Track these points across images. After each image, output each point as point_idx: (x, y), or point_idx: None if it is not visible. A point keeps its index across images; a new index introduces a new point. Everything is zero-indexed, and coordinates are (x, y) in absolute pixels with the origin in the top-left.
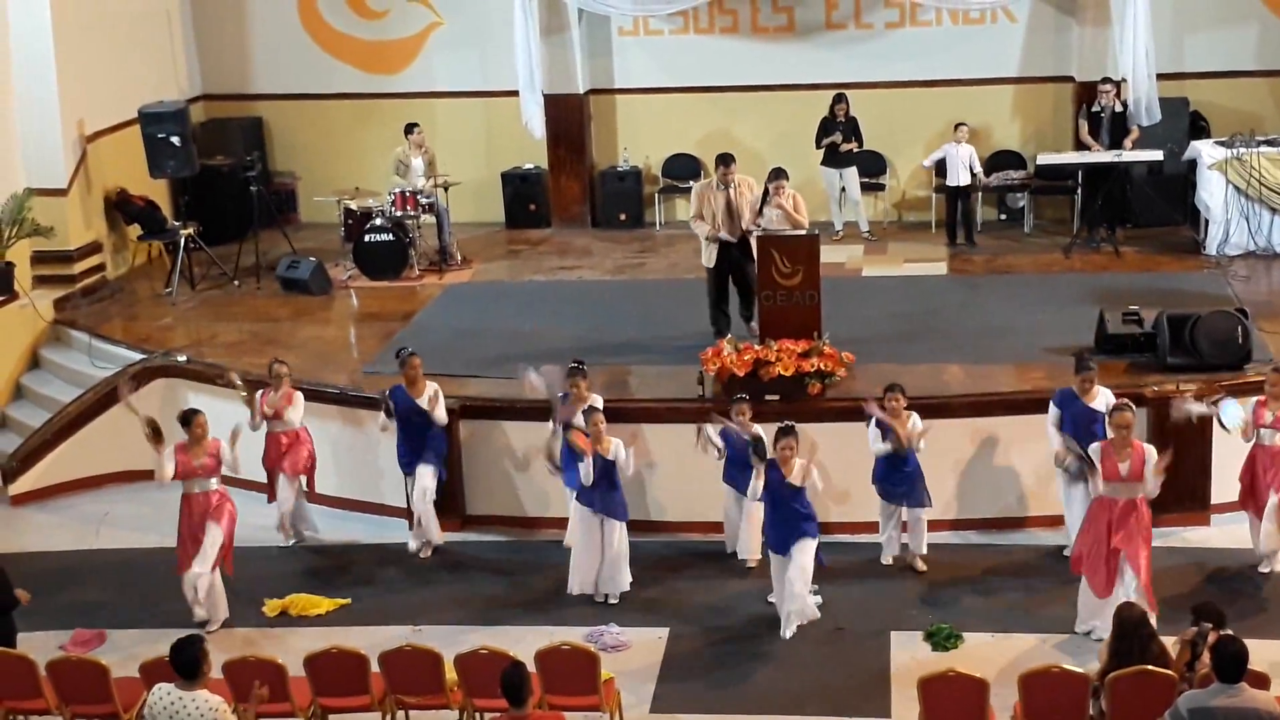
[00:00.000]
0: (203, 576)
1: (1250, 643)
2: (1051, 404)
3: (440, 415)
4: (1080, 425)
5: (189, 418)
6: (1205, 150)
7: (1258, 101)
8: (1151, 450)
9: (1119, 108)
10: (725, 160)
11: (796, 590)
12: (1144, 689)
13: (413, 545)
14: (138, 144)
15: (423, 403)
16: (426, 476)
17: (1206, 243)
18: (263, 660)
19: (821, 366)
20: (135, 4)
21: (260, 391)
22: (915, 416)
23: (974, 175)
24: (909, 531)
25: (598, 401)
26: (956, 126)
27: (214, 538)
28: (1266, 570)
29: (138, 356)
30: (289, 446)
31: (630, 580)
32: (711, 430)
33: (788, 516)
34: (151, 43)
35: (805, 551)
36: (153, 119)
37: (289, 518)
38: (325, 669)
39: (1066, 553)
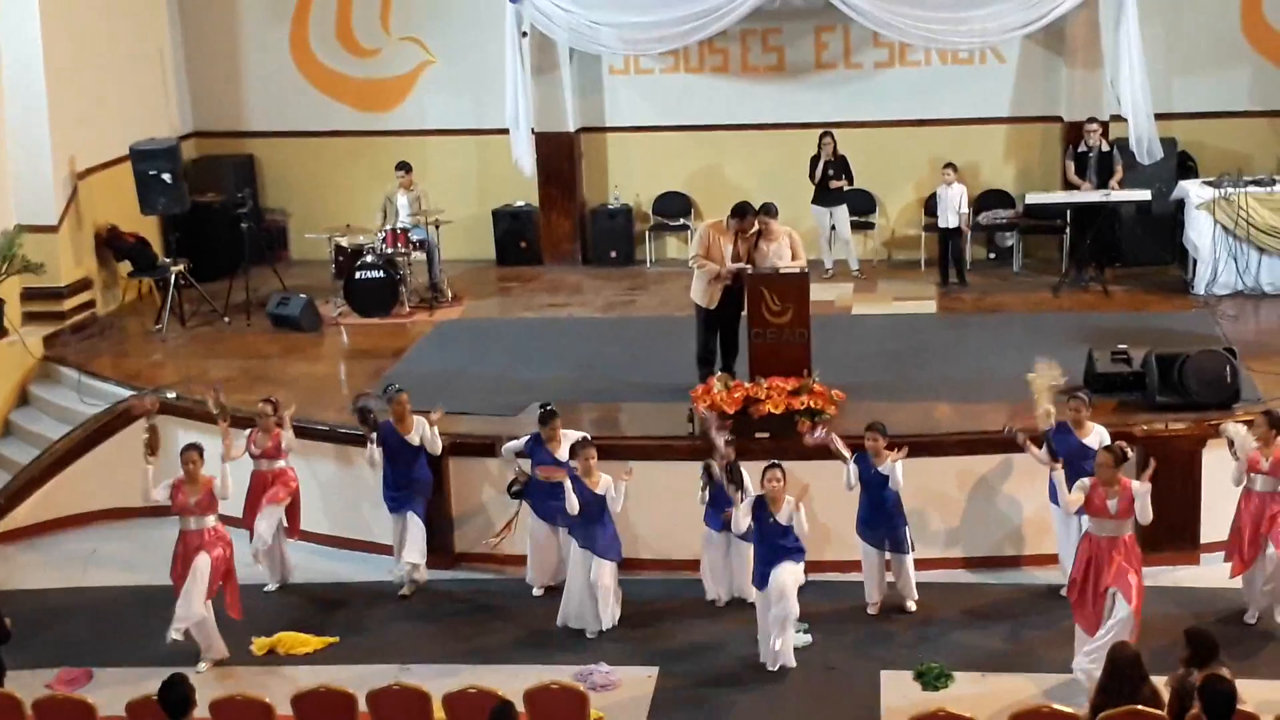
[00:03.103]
0: (187, 619)
1: (1240, 682)
2: (1047, 436)
3: (437, 446)
4: (1071, 460)
5: (182, 452)
6: (1193, 190)
7: (1245, 142)
8: (1140, 486)
9: (1105, 147)
10: (743, 212)
11: (787, 608)
12: None
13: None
14: (129, 181)
15: (412, 439)
16: (418, 527)
17: (1195, 282)
18: (250, 699)
19: (811, 404)
20: (127, 41)
21: (248, 431)
22: (896, 461)
23: (959, 216)
24: (896, 576)
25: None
26: (944, 168)
27: (199, 573)
28: (1253, 620)
29: (127, 393)
30: (274, 482)
31: (616, 618)
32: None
33: (774, 551)
34: (143, 80)
35: (788, 570)
36: (144, 156)
37: (264, 553)
38: (313, 708)
39: (1063, 593)
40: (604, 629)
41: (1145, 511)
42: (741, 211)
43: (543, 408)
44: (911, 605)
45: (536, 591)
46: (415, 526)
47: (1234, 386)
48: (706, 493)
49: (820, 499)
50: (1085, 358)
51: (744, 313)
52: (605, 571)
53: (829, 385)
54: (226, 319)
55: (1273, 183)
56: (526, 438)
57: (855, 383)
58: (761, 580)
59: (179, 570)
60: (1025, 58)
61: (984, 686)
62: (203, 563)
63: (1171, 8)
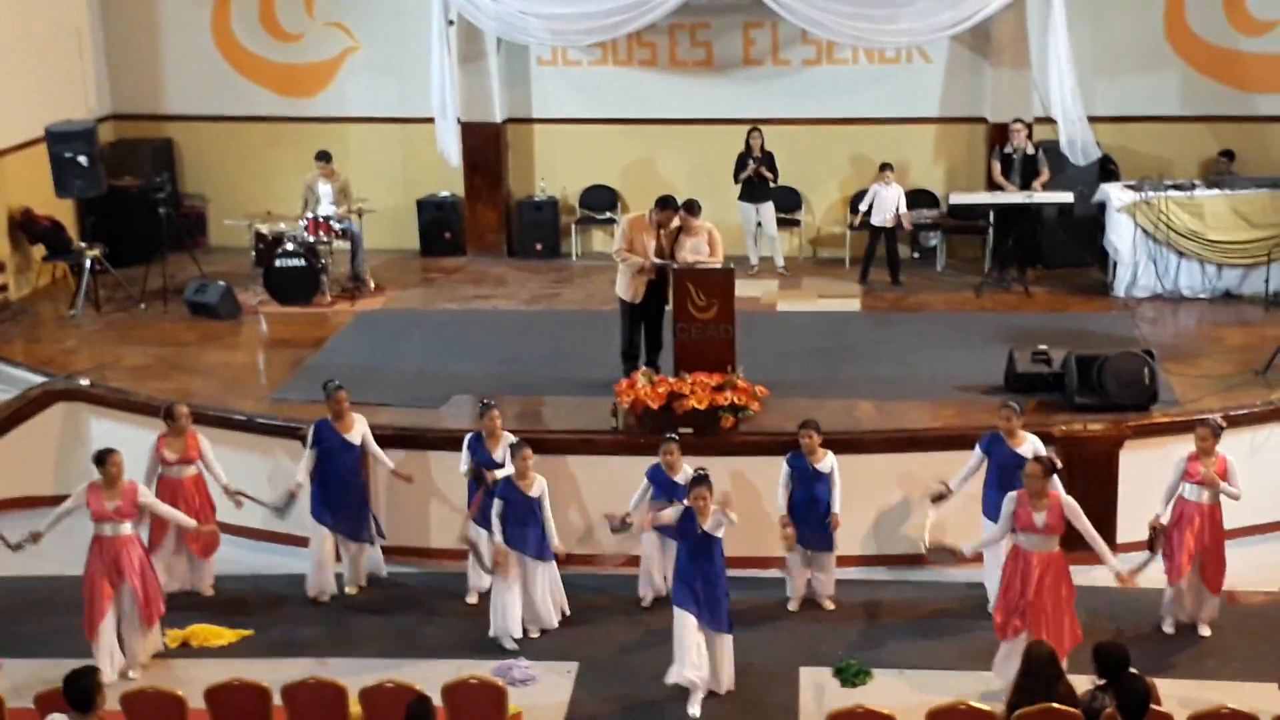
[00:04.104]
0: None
1: (1159, 681)
2: (977, 446)
3: (383, 457)
4: (1005, 471)
5: (103, 457)
6: (1114, 193)
7: (1166, 146)
8: (1071, 501)
9: (1030, 149)
10: (665, 204)
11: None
12: None
13: (325, 593)
14: (44, 163)
15: (352, 439)
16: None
17: (1115, 285)
18: (162, 692)
19: (735, 400)
20: (45, 21)
21: (159, 434)
22: (831, 456)
23: (898, 216)
24: (817, 573)
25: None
26: (882, 168)
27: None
28: (1170, 631)
29: (39, 379)
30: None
31: (565, 608)
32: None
33: (705, 576)
34: (61, 60)
35: (729, 651)
36: (60, 138)
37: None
38: (226, 702)
39: (990, 609)
40: (555, 625)
41: (1086, 527)
42: (664, 203)
43: (482, 402)
44: (829, 604)
45: (471, 599)
46: (375, 556)
47: (1152, 388)
48: (645, 496)
49: (743, 493)
50: (1006, 357)
51: (668, 307)
52: (542, 571)
53: (753, 381)
54: (143, 305)
55: (1192, 187)
56: (470, 435)
57: (779, 379)
58: (683, 598)
59: (95, 584)
60: (952, 58)
61: (902, 684)
62: (133, 629)
63: (1097, 12)
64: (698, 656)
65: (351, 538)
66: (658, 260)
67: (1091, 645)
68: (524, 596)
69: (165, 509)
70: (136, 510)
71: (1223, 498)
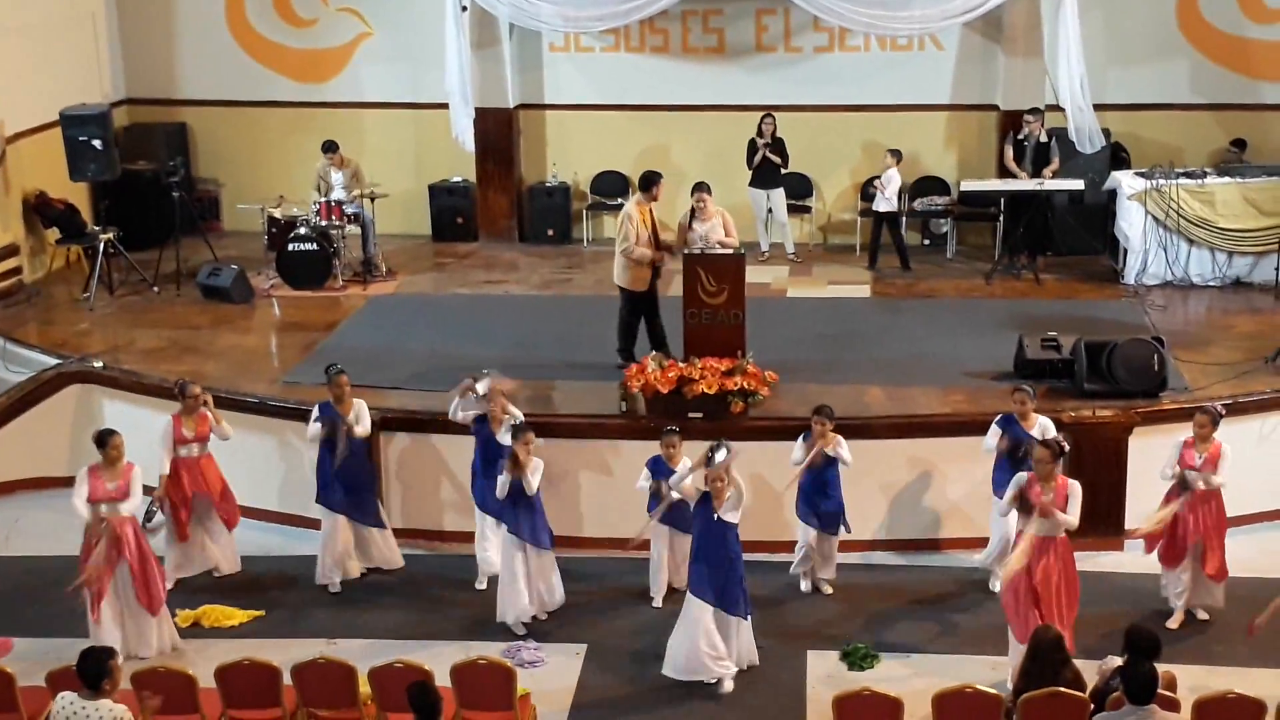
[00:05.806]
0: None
1: (1160, 666)
2: (994, 424)
3: (363, 429)
4: (1017, 452)
5: (105, 439)
6: (1125, 181)
7: (1177, 134)
8: (1075, 486)
9: (1044, 138)
10: (648, 183)
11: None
12: (1055, 711)
13: (336, 580)
14: (59, 146)
15: (352, 421)
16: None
17: (1125, 272)
18: (172, 671)
19: (745, 385)
20: (60, 6)
21: (173, 414)
22: (841, 441)
23: (898, 200)
24: (820, 558)
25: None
26: (894, 154)
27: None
28: (1174, 626)
29: (52, 361)
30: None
31: (562, 594)
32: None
33: (720, 559)
34: (75, 45)
35: (748, 630)
36: (74, 121)
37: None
38: (236, 681)
39: (977, 559)
40: (556, 608)
41: (1073, 514)
42: (648, 183)
43: (481, 372)
44: (828, 589)
45: (480, 585)
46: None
47: (1161, 375)
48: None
49: (752, 478)
50: (1016, 344)
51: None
52: (546, 560)
53: (763, 367)
54: (156, 289)
55: (1203, 175)
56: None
57: (789, 364)
58: (703, 589)
59: (96, 565)
60: (964, 45)
61: (909, 667)
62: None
63: (1109, 0)
64: (716, 646)
65: (360, 521)
66: (687, 252)
67: (1126, 628)
68: (527, 582)
69: (138, 494)
70: (131, 493)
71: (1223, 484)
